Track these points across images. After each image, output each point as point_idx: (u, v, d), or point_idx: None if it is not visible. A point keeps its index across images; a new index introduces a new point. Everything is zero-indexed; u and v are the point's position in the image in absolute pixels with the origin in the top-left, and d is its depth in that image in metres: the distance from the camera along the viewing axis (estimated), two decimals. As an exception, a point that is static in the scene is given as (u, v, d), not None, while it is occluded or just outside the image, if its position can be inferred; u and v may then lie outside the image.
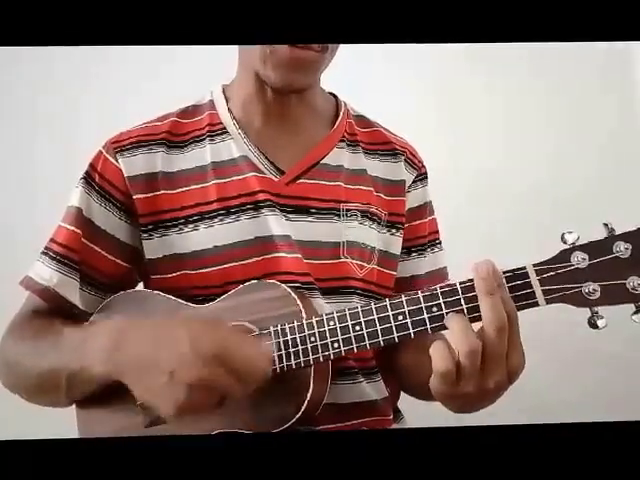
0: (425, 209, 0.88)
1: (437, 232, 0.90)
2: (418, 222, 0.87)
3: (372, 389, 0.78)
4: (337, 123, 0.83)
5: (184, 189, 0.77)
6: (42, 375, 0.69)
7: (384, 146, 0.86)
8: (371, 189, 0.82)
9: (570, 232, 0.58)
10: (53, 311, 0.76)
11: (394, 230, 0.83)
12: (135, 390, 0.61)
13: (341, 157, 0.82)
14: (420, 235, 0.87)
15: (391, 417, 0.80)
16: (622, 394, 1.34)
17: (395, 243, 0.83)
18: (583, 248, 0.57)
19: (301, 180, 0.78)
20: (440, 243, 0.90)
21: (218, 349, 0.57)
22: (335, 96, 0.89)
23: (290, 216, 0.76)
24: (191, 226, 0.75)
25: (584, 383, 1.36)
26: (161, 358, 0.58)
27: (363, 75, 1.32)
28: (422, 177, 0.88)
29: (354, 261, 0.78)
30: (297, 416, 0.64)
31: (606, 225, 0.58)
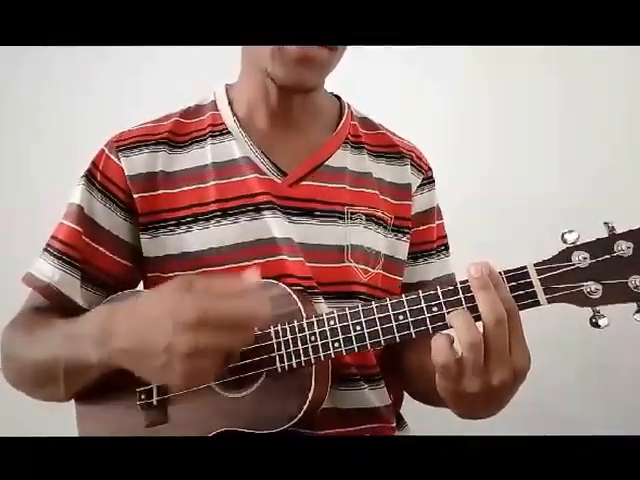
0: (432, 214, 0.87)
1: (445, 237, 0.89)
2: (426, 227, 0.86)
3: (375, 396, 0.77)
4: (340, 125, 0.83)
5: (184, 189, 0.77)
6: (38, 367, 0.69)
7: (389, 149, 0.85)
8: (376, 192, 0.81)
9: (570, 232, 0.58)
10: (55, 309, 0.76)
11: (400, 235, 0.82)
12: (141, 375, 0.59)
13: (345, 159, 0.81)
14: (428, 240, 0.86)
15: (394, 424, 0.80)
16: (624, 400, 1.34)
17: (401, 248, 0.82)
18: (584, 247, 0.57)
19: (304, 182, 0.77)
20: (448, 249, 0.88)
21: (198, 312, 0.53)
22: (339, 97, 0.88)
23: (293, 219, 0.75)
24: (191, 227, 0.75)
25: (587, 385, 1.36)
26: (150, 340, 0.55)
27: (365, 76, 1.33)
28: (429, 181, 0.87)
29: (358, 265, 0.76)
30: (299, 416, 0.63)
31: (607, 224, 0.57)
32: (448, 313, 0.58)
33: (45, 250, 0.78)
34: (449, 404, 0.62)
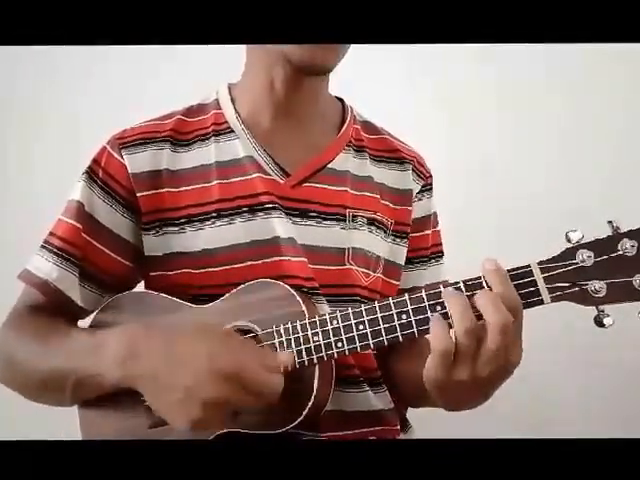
0: (429, 220, 0.87)
1: (440, 244, 0.89)
2: (422, 233, 0.86)
3: (378, 399, 0.77)
4: (344, 128, 0.83)
5: (188, 188, 0.76)
6: (45, 377, 0.69)
7: (391, 154, 0.86)
8: (377, 196, 0.81)
9: (574, 231, 0.58)
10: (52, 307, 0.75)
11: (399, 239, 0.82)
12: (149, 401, 0.63)
13: (347, 163, 0.81)
14: (423, 247, 0.86)
15: (398, 427, 0.79)
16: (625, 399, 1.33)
17: (400, 253, 0.83)
18: (588, 246, 0.57)
19: (307, 184, 0.77)
20: (442, 256, 0.89)
21: (235, 368, 0.58)
22: (342, 101, 0.88)
23: (295, 219, 0.75)
24: (194, 225, 0.75)
25: (588, 385, 1.36)
26: (177, 373, 0.59)
27: (362, 76, 1.32)
28: (428, 187, 0.88)
29: (359, 269, 0.76)
30: (302, 416, 0.63)
31: (611, 223, 0.57)
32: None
33: (43, 247, 0.77)
34: (435, 394, 0.61)
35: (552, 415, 1.32)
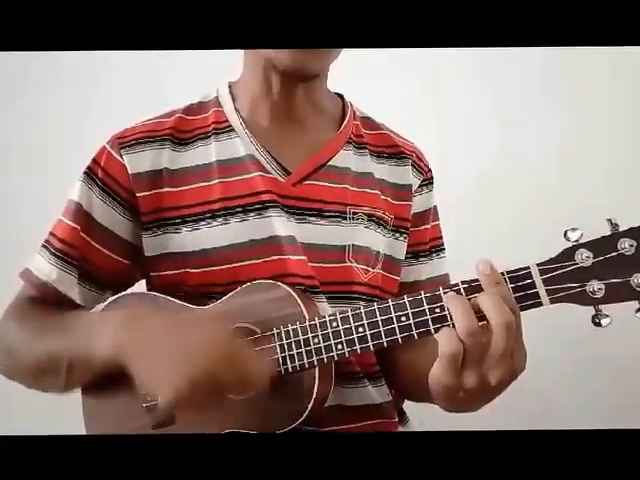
0: (429, 214, 0.87)
1: (440, 238, 0.89)
2: (422, 227, 0.86)
3: (377, 393, 0.78)
4: (344, 124, 0.82)
5: (188, 187, 0.76)
6: (41, 360, 0.69)
7: (391, 149, 0.85)
8: (378, 193, 0.81)
9: (574, 229, 0.57)
10: (51, 302, 0.76)
11: (399, 235, 0.82)
12: (136, 373, 0.61)
13: (348, 159, 0.81)
14: (423, 241, 0.86)
15: (396, 420, 0.80)
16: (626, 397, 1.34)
17: (400, 248, 0.83)
18: (587, 246, 0.56)
19: (308, 181, 0.77)
20: (443, 249, 0.88)
21: (227, 349, 0.60)
22: (341, 97, 0.87)
23: (296, 218, 0.75)
24: (194, 225, 0.75)
25: (589, 384, 1.36)
26: (169, 345, 0.60)
27: (359, 75, 1.31)
28: (428, 182, 0.87)
29: (359, 265, 0.77)
30: (301, 419, 0.64)
31: (610, 221, 0.57)
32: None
33: (43, 247, 0.77)
34: (440, 399, 0.60)
35: (550, 407, 1.34)
